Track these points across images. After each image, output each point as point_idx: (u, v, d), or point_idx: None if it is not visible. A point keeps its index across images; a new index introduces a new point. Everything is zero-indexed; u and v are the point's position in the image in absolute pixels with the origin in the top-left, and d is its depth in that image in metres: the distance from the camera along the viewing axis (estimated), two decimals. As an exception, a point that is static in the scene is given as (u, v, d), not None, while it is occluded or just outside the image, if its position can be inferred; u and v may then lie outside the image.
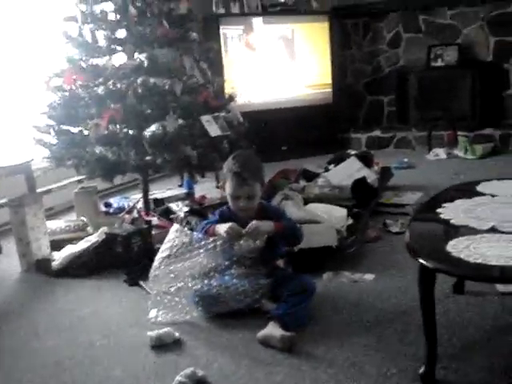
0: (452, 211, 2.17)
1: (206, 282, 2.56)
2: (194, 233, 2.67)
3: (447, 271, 1.78)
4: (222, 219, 2.68)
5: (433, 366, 1.97)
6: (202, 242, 2.56)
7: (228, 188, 2.65)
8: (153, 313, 2.58)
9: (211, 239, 2.56)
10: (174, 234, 2.69)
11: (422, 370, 1.98)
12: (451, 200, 2.33)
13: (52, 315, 2.80)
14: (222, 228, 2.57)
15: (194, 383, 2.05)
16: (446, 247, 1.80)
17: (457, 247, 1.78)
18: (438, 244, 1.85)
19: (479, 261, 1.66)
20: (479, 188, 2.52)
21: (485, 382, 1.97)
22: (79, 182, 4.57)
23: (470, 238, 1.86)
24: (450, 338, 2.24)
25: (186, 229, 2.78)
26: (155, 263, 2.67)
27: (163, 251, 2.68)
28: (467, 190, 2.52)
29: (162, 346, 2.36)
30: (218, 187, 5.00)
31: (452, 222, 2.06)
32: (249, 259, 2.55)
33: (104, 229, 3.47)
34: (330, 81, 6.58)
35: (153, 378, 2.15)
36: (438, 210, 2.20)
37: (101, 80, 3.83)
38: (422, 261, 1.74)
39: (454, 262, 1.69)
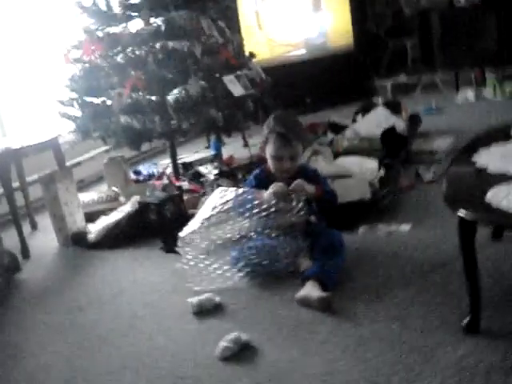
0: (488, 157, 2.11)
1: (242, 243, 2.54)
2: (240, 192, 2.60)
3: (489, 222, 1.74)
4: (259, 183, 2.65)
5: (477, 316, 1.95)
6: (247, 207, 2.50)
7: (270, 149, 2.62)
8: (192, 280, 2.57)
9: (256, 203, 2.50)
10: (218, 195, 2.64)
11: (466, 320, 1.96)
12: (486, 145, 2.26)
13: (92, 288, 2.84)
14: (265, 193, 2.52)
15: (239, 347, 2.07)
16: (486, 197, 1.75)
17: (496, 197, 1.74)
18: (477, 194, 1.81)
19: (521, 210, 1.62)
20: (514, 131, 2.44)
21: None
22: (107, 152, 4.57)
23: (510, 186, 1.81)
24: (492, 286, 2.20)
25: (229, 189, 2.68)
26: (194, 225, 2.62)
27: (204, 212, 2.63)
28: (501, 134, 2.44)
29: (203, 311, 2.38)
30: (245, 145, 4.98)
31: (489, 169, 2.01)
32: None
33: (136, 198, 3.48)
34: (350, 27, 6.41)
35: (197, 344, 2.18)
36: (474, 158, 2.14)
37: (119, 48, 3.81)
38: (461, 214, 1.70)
39: (496, 212, 1.65)
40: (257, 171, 2.75)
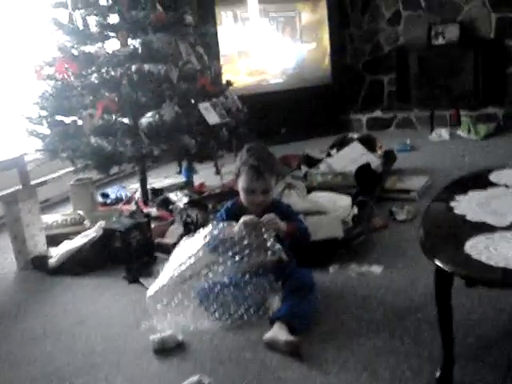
0: (466, 205, 2.06)
1: (207, 276, 2.41)
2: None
3: (469, 277, 1.67)
4: (231, 217, 2.54)
5: (450, 369, 1.87)
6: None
7: (242, 182, 2.53)
8: (155, 316, 2.42)
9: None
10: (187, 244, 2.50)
11: (438, 373, 1.88)
12: (464, 191, 2.21)
13: (50, 317, 2.70)
14: (235, 225, 2.42)
15: (200, 392, 1.97)
16: (465, 248, 1.69)
17: (476, 248, 1.67)
18: (455, 244, 1.74)
19: (502, 265, 1.55)
20: (492, 177, 2.40)
21: (505, 382, 1.88)
22: (75, 172, 4.44)
23: (489, 237, 1.75)
24: (466, 336, 2.14)
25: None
26: (162, 281, 2.43)
27: (172, 265, 2.46)
28: (480, 180, 2.41)
29: (165, 349, 2.27)
30: (217, 173, 4.90)
31: (467, 217, 1.95)
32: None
33: (101, 223, 3.37)
34: (328, 59, 6.42)
35: (156, 386, 2.06)
36: (452, 204, 2.09)
37: (94, 68, 3.72)
38: (439, 264, 1.63)
39: (475, 265, 1.58)
40: (228, 204, 2.66)
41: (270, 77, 6.28)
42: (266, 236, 2.33)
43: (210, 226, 2.45)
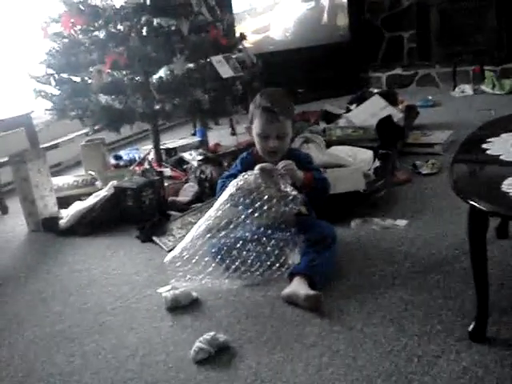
0: (501, 146, 1.90)
1: (223, 233, 2.26)
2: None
3: (508, 215, 1.52)
4: (246, 168, 2.35)
5: (484, 322, 1.74)
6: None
7: (256, 127, 2.36)
8: (170, 273, 2.27)
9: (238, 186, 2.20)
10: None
11: (471, 326, 1.74)
12: (496, 134, 2.05)
13: (60, 278, 2.59)
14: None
15: (215, 349, 1.84)
16: (501, 187, 1.53)
17: (514, 186, 1.52)
18: (491, 184, 1.59)
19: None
20: (525, 120, 2.23)
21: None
22: (87, 134, 4.32)
23: (528, 176, 1.59)
24: (499, 289, 1.99)
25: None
26: (187, 237, 2.27)
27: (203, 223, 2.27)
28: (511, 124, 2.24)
29: (178, 307, 2.15)
30: (233, 134, 4.76)
31: (502, 157, 1.79)
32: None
33: (113, 182, 3.24)
34: (346, 17, 6.19)
35: (169, 344, 1.94)
36: (484, 146, 1.92)
37: (101, 22, 3.54)
38: (474, 203, 1.47)
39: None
40: (243, 155, 2.51)
41: (285, 34, 6.08)
42: (282, 183, 2.17)
43: (234, 182, 2.28)
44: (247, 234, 2.26)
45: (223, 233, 2.21)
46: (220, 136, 4.73)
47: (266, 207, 2.14)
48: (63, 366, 1.90)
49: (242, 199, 2.16)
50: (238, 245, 2.24)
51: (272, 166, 2.24)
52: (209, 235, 2.20)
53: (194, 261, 2.19)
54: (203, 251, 2.23)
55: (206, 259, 2.23)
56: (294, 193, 2.15)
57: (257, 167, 2.22)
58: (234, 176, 2.29)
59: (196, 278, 2.21)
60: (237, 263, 2.22)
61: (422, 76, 6.26)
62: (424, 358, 1.69)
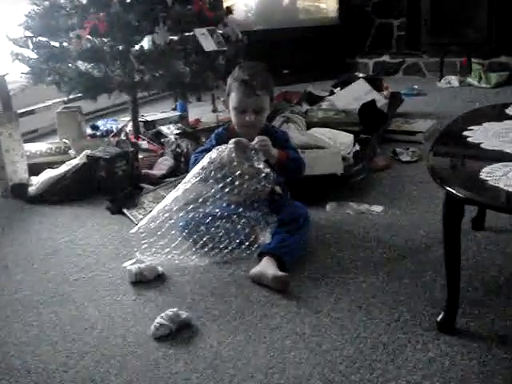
0: (482, 134, 1.85)
1: (191, 206, 2.17)
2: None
3: (484, 203, 1.47)
4: (220, 143, 2.26)
5: (454, 313, 1.70)
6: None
7: (233, 100, 2.29)
8: (137, 246, 2.20)
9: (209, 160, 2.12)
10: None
11: (440, 316, 1.70)
12: (478, 123, 2.00)
13: (24, 245, 2.51)
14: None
15: (176, 326, 1.79)
16: (480, 175, 1.48)
17: (493, 175, 1.47)
18: (470, 171, 1.54)
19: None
20: (508, 111, 2.18)
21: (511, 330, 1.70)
22: (64, 102, 4.21)
23: (508, 165, 1.54)
24: (471, 280, 1.96)
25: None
26: (154, 210, 2.20)
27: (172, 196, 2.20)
28: (495, 113, 2.19)
29: (143, 282, 2.09)
30: (214, 111, 4.68)
31: (483, 146, 1.74)
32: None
33: (86, 152, 3.15)
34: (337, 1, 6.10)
35: (130, 319, 1.88)
36: (465, 133, 1.88)
37: (83, -16, 3.42)
38: (452, 190, 1.42)
39: (492, 192, 1.38)
40: (218, 130, 2.44)
41: (276, 13, 5.98)
42: (255, 159, 2.10)
43: (208, 154, 2.20)
44: (217, 210, 2.19)
45: (191, 206, 2.14)
46: (202, 113, 4.64)
47: (237, 183, 2.07)
48: (19, 335, 1.84)
49: (213, 173, 2.08)
50: (207, 220, 2.18)
51: (247, 141, 2.17)
52: (176, 207, 2.12)
53: (159, 233, 2.11)
54: (170, 224, 2.15)
55: (173, 233, 2.16)
56: (267, 170, 2.09)
57: (231, 141, 2.15)
58: (208, 150, 2.21)
59: (162, 252, 2.14)
60: (204, 239, 2.16)
61: (409, 65, 6.22)
62: (390, 346, 1.65)
